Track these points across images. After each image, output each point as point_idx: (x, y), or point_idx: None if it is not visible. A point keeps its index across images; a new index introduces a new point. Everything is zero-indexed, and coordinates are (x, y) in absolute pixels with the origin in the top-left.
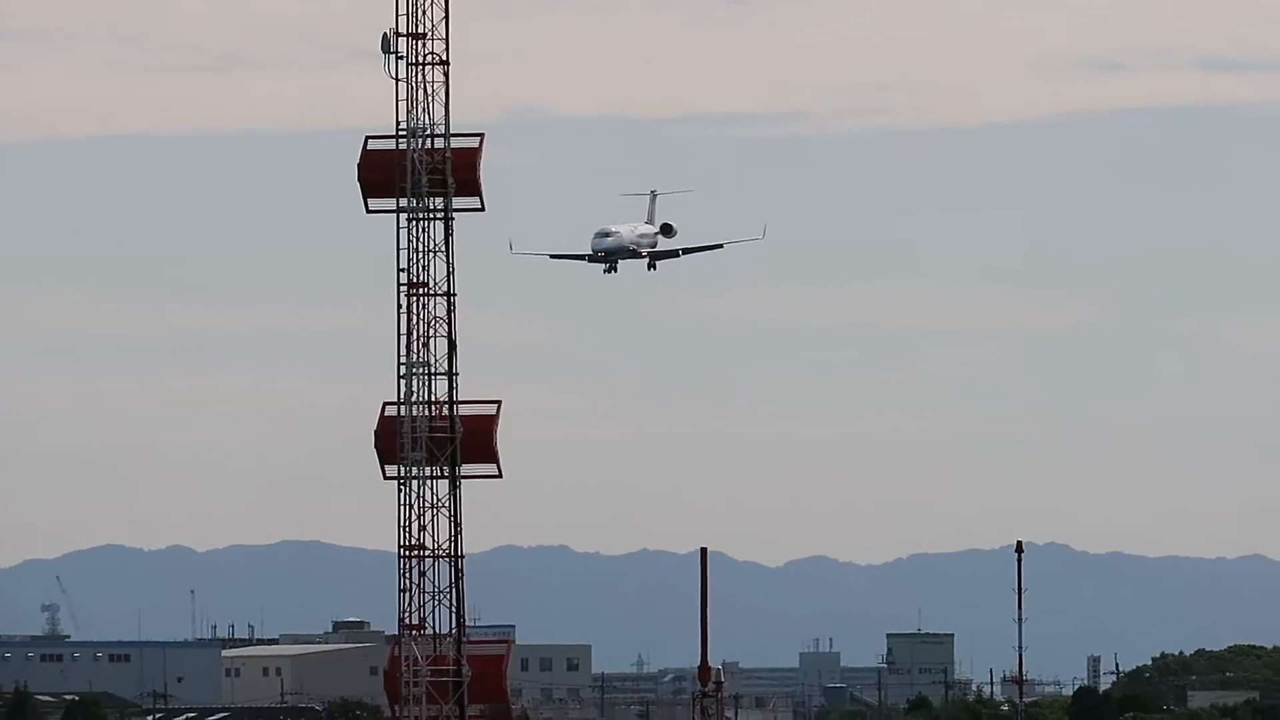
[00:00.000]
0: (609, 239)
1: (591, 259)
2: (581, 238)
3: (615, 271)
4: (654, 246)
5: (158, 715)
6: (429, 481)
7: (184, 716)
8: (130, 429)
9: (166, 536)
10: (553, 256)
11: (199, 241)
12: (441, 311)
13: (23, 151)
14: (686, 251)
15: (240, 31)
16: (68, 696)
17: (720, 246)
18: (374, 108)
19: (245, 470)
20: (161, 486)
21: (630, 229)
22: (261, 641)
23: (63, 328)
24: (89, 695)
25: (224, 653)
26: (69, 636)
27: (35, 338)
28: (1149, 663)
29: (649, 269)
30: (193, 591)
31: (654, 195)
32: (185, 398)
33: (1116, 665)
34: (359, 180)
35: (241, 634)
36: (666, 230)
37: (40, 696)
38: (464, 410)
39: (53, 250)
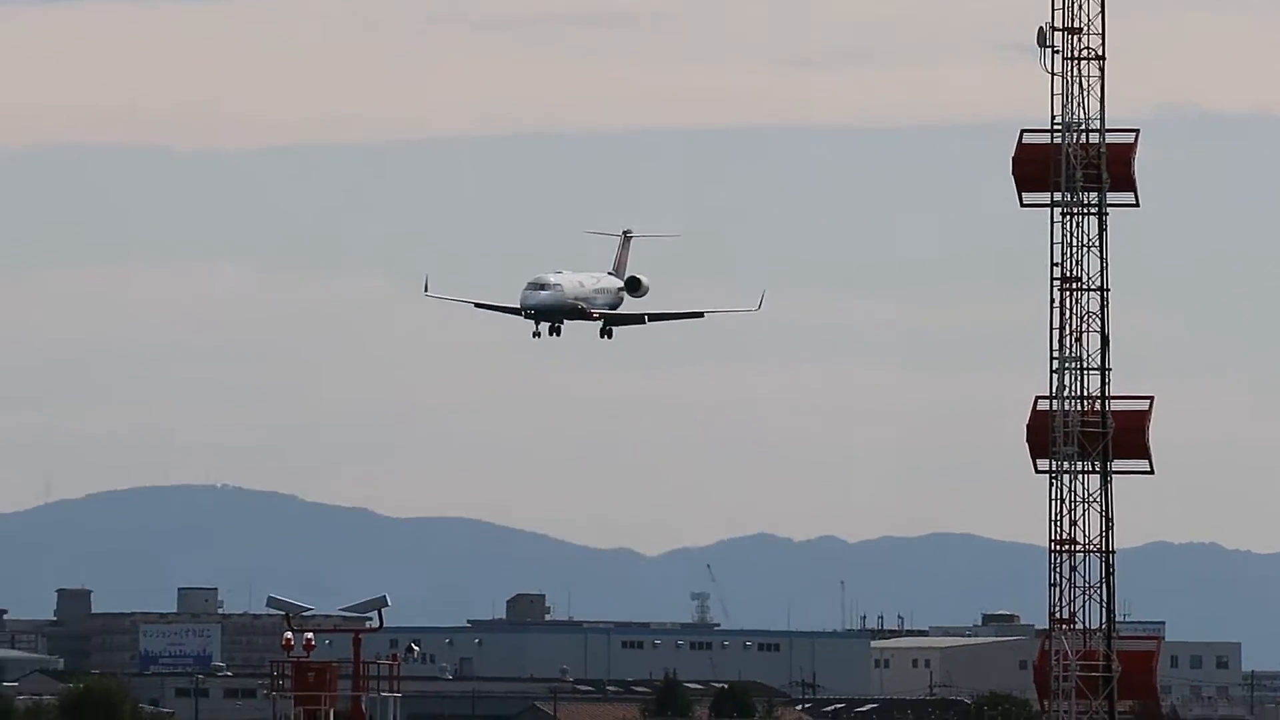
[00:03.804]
0: (544, 292)
1: (524, 314)
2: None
3: (557, 335)
4: (614, 306)
5: (806, 705)
6: (1080, 476)
7: (832, 706)
8: (785, 420)
9: (818, 526)
10: (477, 305)
11: (842, 236)
12: (1095, 307)
13: (604, 141)
14: (654, 318)
15: (888, 24)
16: (716, 684)
17: (700, 315)
18: (1029, 101)
19: (897, 462)
20: (815, 477)
21: (580, 281)
22: (911, 633)
23: None
24: (738, 684)
25: (873, 644)
26: (718, 625)
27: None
28: None
29: (602, 336)
30: (842, 582)
31: (627, 236)
32: (834, 389)
33: None
34: (1013, 174)
35: (890, 625)
36: (633, 285)
37: (689, 684)
38: (1116, 406)
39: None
